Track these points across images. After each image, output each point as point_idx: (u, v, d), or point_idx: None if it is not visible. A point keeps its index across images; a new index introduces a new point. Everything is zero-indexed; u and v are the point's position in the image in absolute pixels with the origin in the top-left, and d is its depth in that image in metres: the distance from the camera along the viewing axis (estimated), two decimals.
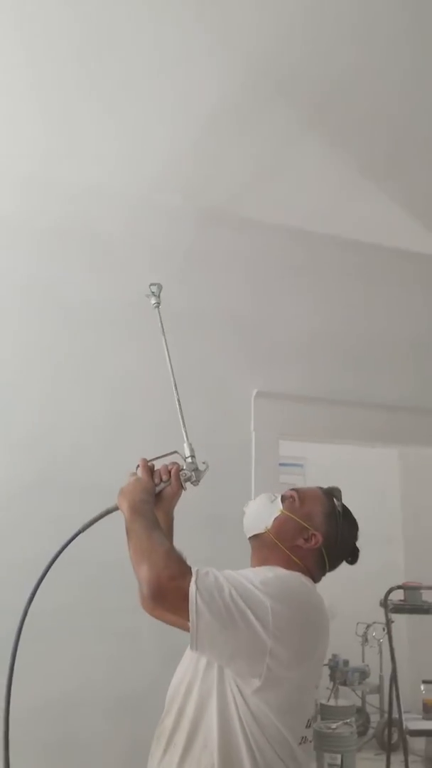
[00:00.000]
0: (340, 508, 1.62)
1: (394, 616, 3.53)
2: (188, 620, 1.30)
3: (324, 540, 1.55)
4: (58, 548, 1.57)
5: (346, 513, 1.62)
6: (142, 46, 1.92)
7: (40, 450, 2.48)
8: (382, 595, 3.47)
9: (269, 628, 1.31)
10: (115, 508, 1.58)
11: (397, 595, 3.67)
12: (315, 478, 4.19)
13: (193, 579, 1.31)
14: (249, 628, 1.31)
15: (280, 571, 1.47)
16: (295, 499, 1.61)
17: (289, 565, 1.52)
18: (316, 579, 1.55)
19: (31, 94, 2.13)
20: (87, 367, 2.60)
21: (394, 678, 3.29)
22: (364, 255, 3.04)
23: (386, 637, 3.52)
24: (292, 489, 1.65)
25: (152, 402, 2.63)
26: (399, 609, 3.62)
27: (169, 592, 1.32)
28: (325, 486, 1.68)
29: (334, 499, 1.63)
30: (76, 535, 1.59)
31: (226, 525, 2.49)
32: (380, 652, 4.88)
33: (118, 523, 1.50)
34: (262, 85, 2.05)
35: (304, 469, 4.28)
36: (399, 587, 3.63)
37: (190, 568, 1.35)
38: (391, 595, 3.51)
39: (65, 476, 2.48)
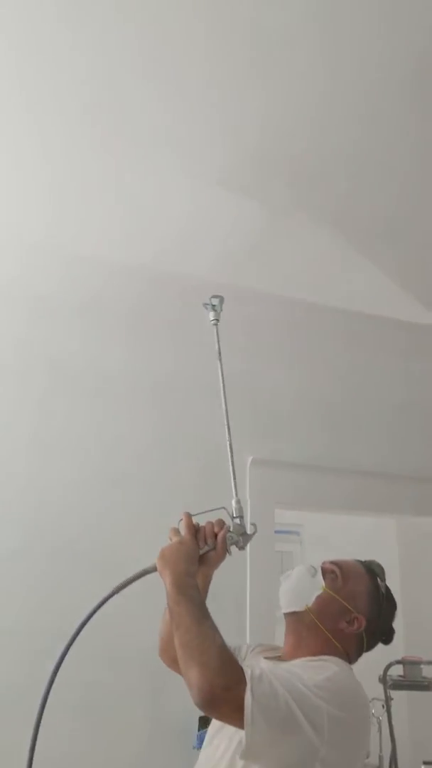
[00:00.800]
0: (383, 589, 1.56)
1: (393, 693, 3.41)
2: (240, 727, 1.22)
3: (366, 623, 1.50)
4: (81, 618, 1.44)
5: (388, 593, 1.57)
6: (148, 122, 1.97)
7: (30, 513, 2.44)
8: (380, 670, 3.37)
9: (323, 735, 1.25)
10: (153, 569, 1.48)
11: (397, 671, 3.57)
12: (312, 546, 4.12)
13: (248, 687, 1.22)
14: (303, 735, 1.24)
15: (331, 670, 1.37)
16: (338, 576, 1.54)
17: (328, 648, 1.46)
18: (352, 662, 1.50)
19: (38, 163, 2.17)
20: (79, 428, 2.59)
21: (393, 758, 3.17)
22: (359, 324, 3.07)
23: (386, 714, 3.41)
24: (332, 562, 1.58)
25: (147, 464, 2.61)
26: (398, 685, 3.49)
27: (223, 702, 1.23)
28: (363, 559, 1.63)
29: (378, 578, 1.57)
30: (108, 597, 1.46)
31: (221, 595, 2.45)
32: (380, 730, 4.70)
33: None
34: (262, 162, 2.10)
35: (301, 537, 4.21)
36: (398, 662, 3.52)
37: (243, 673, 1.25)
38: (390, 670, 3.41)
39: (54, 540, 2.43)
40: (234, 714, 1.22)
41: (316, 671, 1.35)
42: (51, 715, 1.42)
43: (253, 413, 2.83)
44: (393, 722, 3.27)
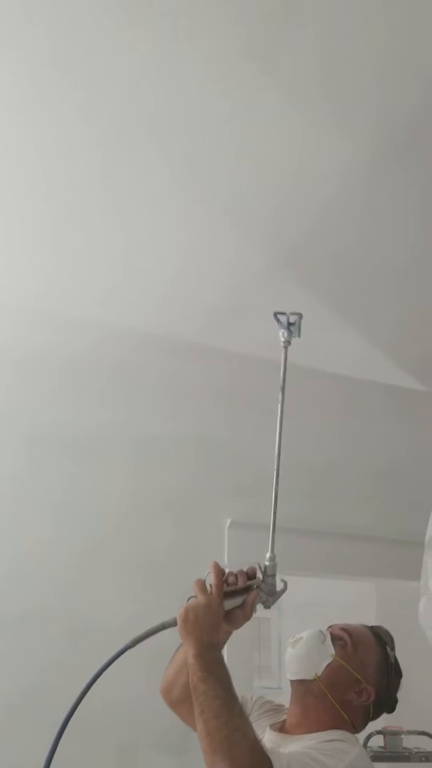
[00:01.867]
0: (393, 659, 1.53)
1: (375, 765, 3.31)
2: None
3: (375, 695, 1.46)
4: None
5: (396, 664, 1.53)
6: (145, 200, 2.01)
7: (5, 581, 2.39)
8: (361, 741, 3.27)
9: None
10: (173, 624, 1.38)
11: (377, 741, 3.47)
12: (290, 613, 4.04)
13: None
14: None
15: (349, 754, 1.32)
16: (347, 643, 1.49)
17: (335, 720, 1.42)
18: (357, 732, 1.47)
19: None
20: (59, 496, 2.56)
21: None
22: (344, 388, 3.07)
23: None
24: (342, 628, 1.54)
25: (128, 533, 2.57)
26: (379, 757, 3.40)
27: None
28: (370, 625, 1.60)
29: (387, 648, 1.53)
30: (121, 653, 1.37)
31: None
32: None
33: None
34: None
35: (280, 604, 4.13)
36: (379, 732, 3.43)
37: (270, 761, 1.20)
38: (370, 741, 3.32)
39: (31, 611, 2.38)
40: None
41: (336, 758, 1.29)
42: None
43: (230, 474, 2.81)
44: None
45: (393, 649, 1.54)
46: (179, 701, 1.53)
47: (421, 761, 3.40)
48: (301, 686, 1.47)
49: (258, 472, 2.89)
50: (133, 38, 1.52)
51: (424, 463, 3.21)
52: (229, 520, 2.69)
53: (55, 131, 1.80)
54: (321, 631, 1.53)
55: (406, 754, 3.41)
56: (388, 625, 4.68)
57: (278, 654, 4.35)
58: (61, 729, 1.32)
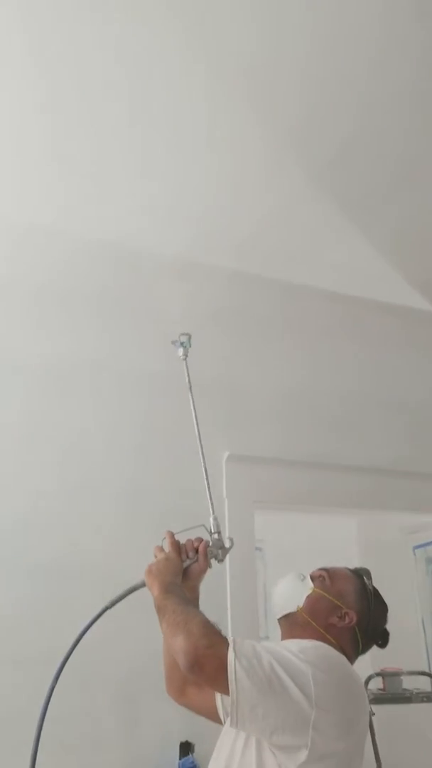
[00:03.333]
0: (371, 587, 1.61)
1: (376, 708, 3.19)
2: (226, 691, 1.27)
3: (357, 619, 1.53)
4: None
5: (377, 593, 1.61)
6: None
7: None
8: None
9: (311, 698, 1.26)
10: (142, 585, 1.56)
11: (376, 684, 3.35)
12: (275, 561, 3.90)
13: (231, 647, 1.28)
14: (291, 697, 1.26)
15: (317, 642, 1.44)
16: (325, 578, 1.60)
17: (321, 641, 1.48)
18: (350, 660, 1.50)
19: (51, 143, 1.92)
20: (35, 429, 2.30)
21: None
22: (342, 308, 2.85)
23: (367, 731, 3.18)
24: (321, 569, 1.64)
25: (122, 470, 2.34)
26: (379, 699, 3.27)
27: (207, 660, 1.28)
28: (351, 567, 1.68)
29: (365, 579, 1.62)
30: (98, 617, 1.55)
31: (201, 605, 2.19)
32: None
33: None
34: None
35: (264, 553, 3.96)
36: (378, 674, 3.31)
37: (227, 638, 1.32)
38: (369, 683, 3.19)
39: (7, 552, 2.14)
40: (218, 674, 1.26)
41: (302, 643, 1.41)
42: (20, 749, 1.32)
43: (226, 406, 2.57)
44: (377, 740, 3.04)
45: (370, 580, 1.63)
46: (183, 691, 1.67)
47: (422, 701, 3.29)
48: (286, 621, 1.57)
49: (254, 402, 2.68)
50: None
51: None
52: (226, 454, 2.47)
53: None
54: (300, 573, 1.64)
55: (407, 695, 3.30)
56: (371, 564, 4.52)
57: (264, 605, 4.26)
58: (52, 684, 1.47)
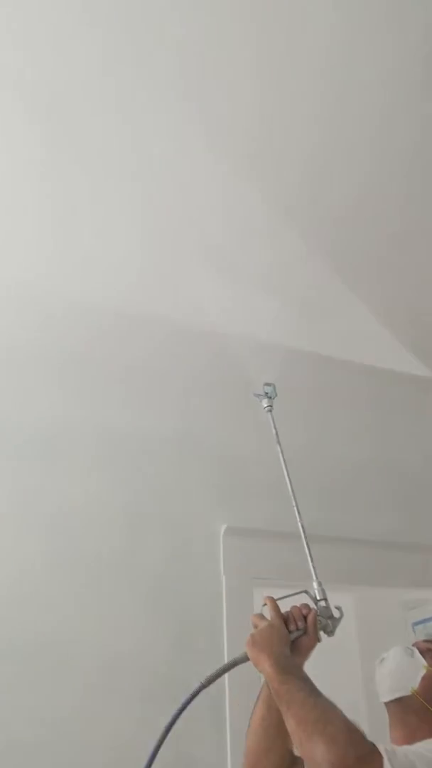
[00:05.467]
0: None
1: None
2: None
3: None
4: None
5: None
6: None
7: None
8: None
9: None
10: (244, 659, 1.39)
11: None
12: None
13: (385, 759, 1.13)
14: None
15: None
16: None
17: None
18: None
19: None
20: (22, 498, 2.18)
21: None
22: (340, 374, 2.78)
23: None
24: (426, 641, 1.50)
25: (113, 546, 2.22)
26: None
27: None
28: None
29: None
30: (196, 693, 1.39)
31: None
32: None
33: None
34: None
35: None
36: None
37: (374, 744, 1.15)
38: None
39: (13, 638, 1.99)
40: None
41: None
42: None
43: (225, 476, 2.47)
44: None
45: None
46: None
47: None
48: (398, 706, 1.44)
49: (253, 472, 2.58)
50: None
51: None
52: (224, 527, 2.35)
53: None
54: (407, 647, 1.51)
55: None
56: (370, 646, 4.38)
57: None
58: None
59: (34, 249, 2.02)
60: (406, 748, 1.24)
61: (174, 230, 1.99)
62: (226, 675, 2.20)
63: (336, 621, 1.49)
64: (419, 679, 1.42)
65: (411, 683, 1.42)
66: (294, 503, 1.77)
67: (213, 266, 2.14)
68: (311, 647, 1.44)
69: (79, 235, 1.98)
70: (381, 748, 1.16)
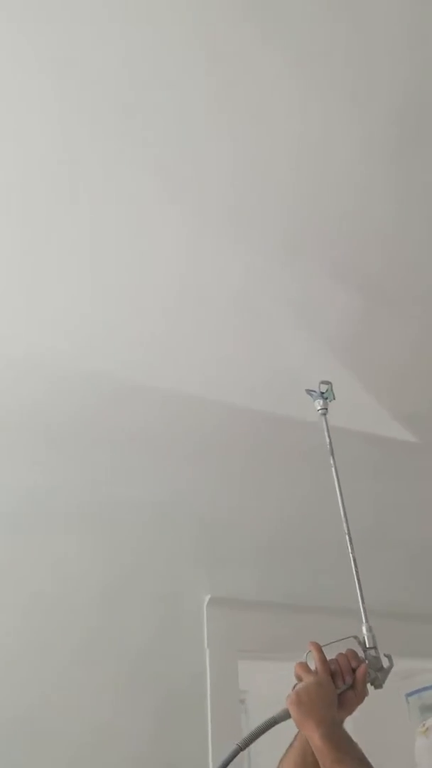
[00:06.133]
0: None
1: None
2: None
3: None
4: None
5: None
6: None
7: None
8: None
9: None
10: (286, 717, 1.26)
11: None
12: (258, 713, 3.61)
13: None
14: None
15: None
16: None
17: None
18: None
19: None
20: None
21: None
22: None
23: None
24: None
25: (90, 620, 2.15)
26: None
27: None
28: None
29: None
30: (232, 757, 1.26)
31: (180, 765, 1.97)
32: None
33: None
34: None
35: (246, 705, 3.69)
36: None
37: None
38: None
39: None
40: None
41: None
42: None
43: (209, 544, 2.42)
44: None
45: None
46: None
47: None
48: None
49: (237, 540, 2.53)
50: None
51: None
52: (208, 597, 2.29)
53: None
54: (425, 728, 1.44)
55: None
56: (362, 717, 4.21)
57: (247, 763, 3.93)
58: None
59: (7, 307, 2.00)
60: None
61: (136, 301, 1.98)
62: (209, 751, 2.13)
63: (385, 673, 1.36)
64: None
65: None
66: (348, 537, 1.65)
67: (203, 334, 2.12)
68: (358, 703, 1.33)
69: (60, 295, 1.96)
70: None
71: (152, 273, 1.91)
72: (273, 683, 3.41)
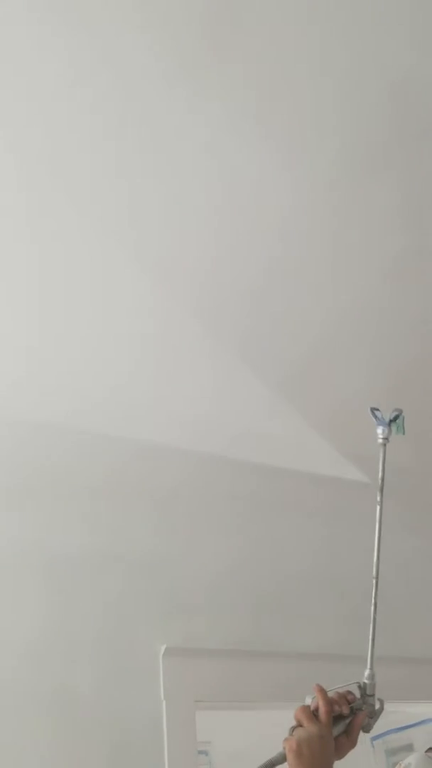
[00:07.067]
0: None
1: None
2: None
3: None
4: None
5: None
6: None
7: None
8: None
9: None
10: (281, 761, 1.26)
11: None
12: (223, 764, 3.53)
13: None
14: None
15: None
16: None
17: None
18: None
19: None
20: None
21: None
22: (277, 481, 2.75)
23: None
24: None
25: (41, 672, 2.10)
26: None
27: None
28: None
29: None
30: None
31: None
32: None
33: None
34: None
35: (210, 757, 3.61)
36: None
37: None
38: None
39: None
40: None
41: None
42: None
43: (163, 591, 2.39)
44: None
45: None
46: None
47: None
48: None
49: (194, 588, 2.50)
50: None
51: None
52: (164, 647, 2.25)
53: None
54: (427, 754, 1.53)
55: None
56: None
57: None
58: None
59: None
60: None
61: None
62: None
63: (376, 717, 1.40)
64: None
65: None
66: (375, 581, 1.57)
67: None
68: (350, 749, 1.35)
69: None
70: None
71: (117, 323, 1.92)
72: (236, 734, 3.36)
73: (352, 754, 3.41)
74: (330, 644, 2.56)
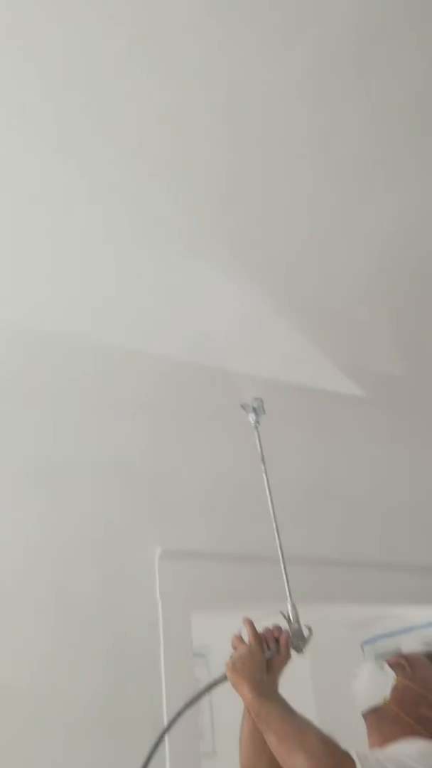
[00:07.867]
0: None
1: None
2: None
3: None
4: None
5: None
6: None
7: None
8: None
9: None
10: (224, 680, 1.53)
11: None
12: (221, 669, 3.64)
13: (358, 763, 1.25)
14: None
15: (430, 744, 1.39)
16: (406, 666, 1.57)
17: (415, 736, 1.45)
18: None
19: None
20: None
21: None
22: (275, 395, 2.73)
23: None
24: (398, 656, 1.62)
25: (42, 575, 2.12)
26: None
27: None
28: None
29: None
30: (180, 713, 1.54)
31: (134, 723, 1.98)
32: None
33: None
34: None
35: (207, 660, 3.72)
36: None
37: (348, 751, 1.28)
38: None
39: None
40: None
41: (417, 747, 1.37)
42: None
43: (158, 497, 2.39)
44: None
45: None
46: None
47: None
48: (373, 716, 1.54)
49: (188, 491, 2.51)
50: None
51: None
52: (159, 550, 2.28)
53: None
54: (376, 662, 1.63)
55: None
56: (320, 671, 4.30)
57: (209, 715, 3.97)
58: None
59: None
60: (378, 751, 1.37)
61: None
62: (163, 705, 2.14)
63: (306, 640, 1.61)
64: (390, 689, 1.53)
65: (383, 694, 1.53)
66: (275, 525, 1.85)
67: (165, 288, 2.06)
68: (283, 666, 1.58)
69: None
70: (353, 753, 1.27)
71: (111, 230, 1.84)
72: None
73: (342, 660, 3.53)
74: (319, 548, 2.60)
